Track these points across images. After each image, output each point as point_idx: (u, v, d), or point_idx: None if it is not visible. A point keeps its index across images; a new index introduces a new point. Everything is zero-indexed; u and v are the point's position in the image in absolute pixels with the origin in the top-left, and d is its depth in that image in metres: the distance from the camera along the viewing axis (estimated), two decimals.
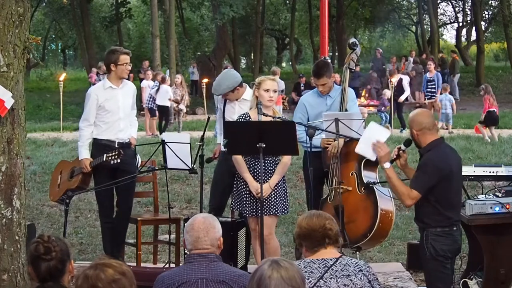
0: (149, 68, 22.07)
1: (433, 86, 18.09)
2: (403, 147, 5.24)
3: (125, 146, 6.76)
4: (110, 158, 6.49)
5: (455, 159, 5.07)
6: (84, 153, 6.74)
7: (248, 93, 6.73)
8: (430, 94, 18.18)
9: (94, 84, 21.10)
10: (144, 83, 17.74)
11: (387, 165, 5.04)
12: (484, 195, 6.00)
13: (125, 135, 6.87)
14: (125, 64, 6.77)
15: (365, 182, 6.30)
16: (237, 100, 6.76)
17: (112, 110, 6.79)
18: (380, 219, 6.19)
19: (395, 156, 5.25)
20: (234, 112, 6.72)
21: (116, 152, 6.51)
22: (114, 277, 2.92)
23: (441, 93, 17.45)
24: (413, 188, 4.94)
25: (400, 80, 18.32)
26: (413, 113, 5.21)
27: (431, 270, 5.02)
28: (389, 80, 18.82)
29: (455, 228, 5.00)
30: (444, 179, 4.90)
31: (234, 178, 6.34)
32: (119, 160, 6.49)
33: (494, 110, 15.14)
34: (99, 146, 6.77)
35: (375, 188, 6.27)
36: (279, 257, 2.94)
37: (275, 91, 6.18)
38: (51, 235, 3.39)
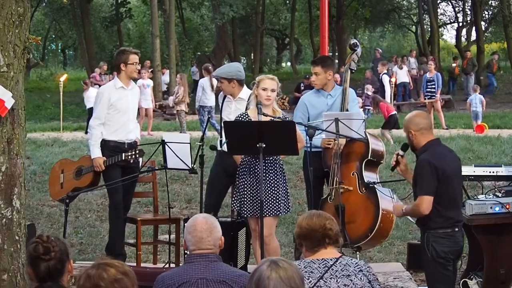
0: (145, 67, 22.04)
1: (433, 86, 18.16)
2: (401, 152, 5.25)
3: (133, 146, 6.86)
4: (129, 157, 6.62)
5: (452, 160, 5.07)
6: (97, 152, 6.80)
7: (245, 92, 6.75)
8: (430, 94, 18.24)
9: (97, 84, 21.20)
10: (139, 82, 17.69)
11: (404, 210, 5.16)
12: (484, 195, 6.01)
13: (133, 136, 6.98)
14: (134, 64, 6.89)
15: (366, 182, 6.31)
16: (232, 95, 6.76)
17: (122, 109, 6.88)
18: (381, 219, 6.19)
19: (394, 163, 5.27)
20: (230, 112, 6.74)
21: (137, 152, 6.65)
22: (117, 276, 2.92)
23: (471, 94, 18.69)
24: (421, 194, 4.91)
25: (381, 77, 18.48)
26: (410, 115, 5.23)
27: (432, 272, 5.01)
28: (379, 72, 19.04)
29: (456, 229, 4.99)
30: (440, 179, 4.90)
31: (230, 178, 6.39)
32: (136, 160, 6.65)
33: (394, 113, 15.13)
34: (109, 147, 6.82)
35: (376, 189, 6.28)
36: (278, 257, 2.94)
37: (273, 91, 6.17)
38: (50, 235, 3.39)
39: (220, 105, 6.93)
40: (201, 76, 28.36)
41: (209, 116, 16.76)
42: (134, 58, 6.91)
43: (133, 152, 6.65)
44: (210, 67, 18.09)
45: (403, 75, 22.28)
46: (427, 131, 5.05)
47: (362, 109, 19.45)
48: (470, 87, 25.06)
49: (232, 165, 6.39)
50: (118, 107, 6.86)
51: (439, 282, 5.00)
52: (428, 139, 5.03)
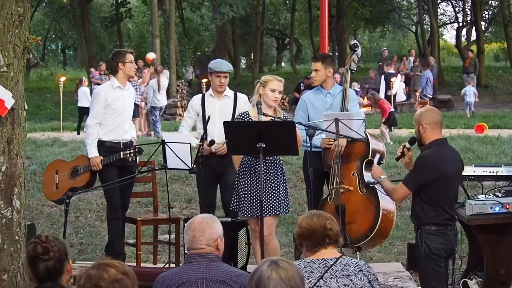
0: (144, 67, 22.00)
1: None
2: (407, 145, 5.32)
3: (129, 146, 6.85)
4: (127, 155, 6.63)
5: (454, 161, 5.09)
6: (94, 151, 6.80)
7: (229, 90, 6.78)
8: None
9: (96, 83, 21.21)
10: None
11: (380, 178, 5.33)
12: (484, 195, 6.01)
13: (129, 136, 6.99)
14: (131, 62, 6.90)
15: (366, 182, 6.31)
16: (222, 92, 6.72)
17: (119, 109, 6.89)
18: (382, 219, 6.20)
19: (399, 154, 5.36)
20: (214, 111, 6.62)
21: (136, 150, 6.67)
22: (117, 277, 2.92)
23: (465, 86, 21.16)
24: (404, 183, 5.04)
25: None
26: (423, 109, 5.32)
27: (426, 268, 5.05)
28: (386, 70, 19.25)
29: (449, 228, 5.05)
30: (439, 179, 4.94)
31: (216, 177, 6.55)
32: (135, 158, 6.66)
33: (393, 111, 15.30)
34: (104, 147, 6.82)
35: (376, 189, 6.28)
36: (278, 257, 2.94)
37: (280, 92, 6.21)
38: (49, 235, 3.38)
39: (201, 106, 6.80)
40: (197, 76, 28.40)
41: (154, 116, 16.82)
42: (130, 57, 6.95)
43: (132, 151, 6.67)
44: (158, 68, 17.91)
45: (400, 94, 22.15)
46: (438, 127, 5.10)
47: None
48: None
49: (218, 164, 6.49)
50: (114, 107, 6.86)
51: (432, 279, 5.03)
52: (436, 136, 5.07)
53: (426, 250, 4.98)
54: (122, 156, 6.67)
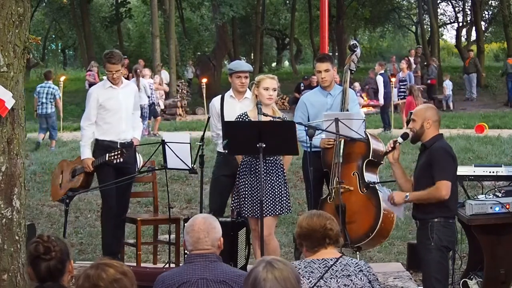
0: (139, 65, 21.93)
1: (406, 86, 18.20)
2: (400, 139, 5.32)
3: (127, 146, 6.79)
4: (112, 157, 6.54)
5: (455, 155, 5.21)
6: (87, 153, 6.78)
7: (249, 91, 6.74)
8: (402, 94, 18.30)
9: (91, 83, 21.18)
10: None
11: (407, 198, 5.16)
12: (484, 195, 6.01)
13: (127, 136, 6.93)
14: (108, 73, 6.86)
15: (367, 182, 6.31)
16: (242, 93, 6.71)
17: (113, 109, 6.85)
18: (383, 219, 6.20)
19: (390, 149, 5.32)
20: (235, 111, 6.55)
21: (119, 152, 6.55)
22: (116, 276, 2.92)
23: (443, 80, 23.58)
24: (441, 179, 4.96)
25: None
26: (427, 105, 5.42)
27: (431, 260, 5.05)
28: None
29: (451, 221, 5.12)
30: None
31: (232, 179, 6.36)
32: (121, 160, 6.53)
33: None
34: (101, 147, 6.81)
35: (377, 189, 6.28)
36: (273, 256, 2.93)
37: (274, 90, 6.18)
38: (50, 235, 3.38)
39: (219, 109, 6.81)
40: (196, 75, 28.40)
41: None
42: (109, 67, 6.85)
43: (117, 153, 6.56)
44: (138, 70, 17.61)
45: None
46: (439, 124, 5.20)
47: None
48: (473, 87, 25.12)
49: (236, 166, 6.38)
50: (108, 107, 6.84)
51: (438, 271, 5.05)
52: (437, 132, 5.16)
53: (437, 241, 5.00)
54: (107, 158, 6.57)
